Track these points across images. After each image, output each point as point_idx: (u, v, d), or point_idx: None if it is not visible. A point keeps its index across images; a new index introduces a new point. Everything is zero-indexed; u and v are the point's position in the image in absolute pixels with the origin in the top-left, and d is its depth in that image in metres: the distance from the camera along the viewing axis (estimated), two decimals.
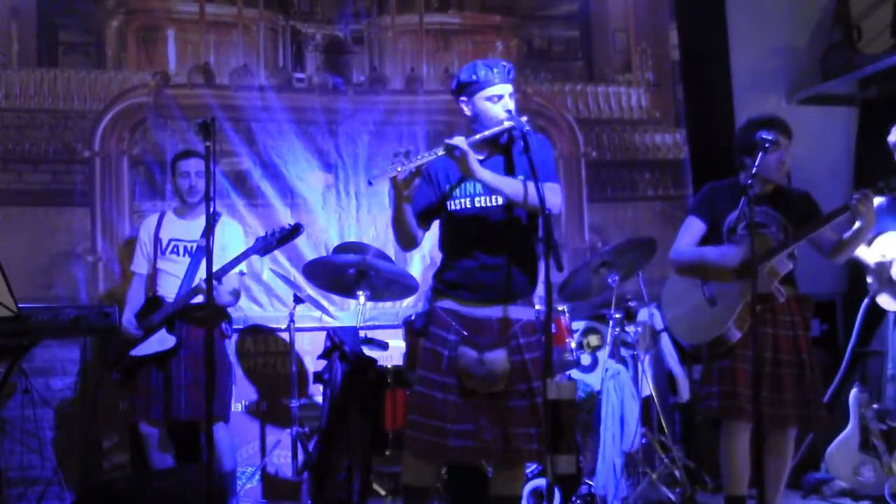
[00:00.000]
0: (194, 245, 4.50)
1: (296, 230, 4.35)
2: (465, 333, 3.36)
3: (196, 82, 5.51)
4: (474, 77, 3.36)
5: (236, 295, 4.61)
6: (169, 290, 4.49)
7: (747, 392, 3.79)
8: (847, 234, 3.95)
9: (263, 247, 4.36)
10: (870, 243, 4.56)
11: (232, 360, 4.61)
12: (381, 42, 5.79)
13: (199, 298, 4.34)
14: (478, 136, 3.34)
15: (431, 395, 3.35)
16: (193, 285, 4.36)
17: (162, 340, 4.39)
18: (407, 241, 3.48)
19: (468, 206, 3.39)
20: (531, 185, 3.23)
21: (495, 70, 3.35)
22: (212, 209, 3.29)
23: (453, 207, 3.41)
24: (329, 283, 4.82)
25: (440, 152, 3.25)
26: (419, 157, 3.24)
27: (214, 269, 4.40)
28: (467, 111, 3.44)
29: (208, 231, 3.31)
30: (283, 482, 5.07)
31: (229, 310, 4.68)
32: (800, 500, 4.98)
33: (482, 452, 3.36)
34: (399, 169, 3.20)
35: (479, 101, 3.37)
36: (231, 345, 4.63)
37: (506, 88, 3.36)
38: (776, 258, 3.86)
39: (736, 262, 3.93)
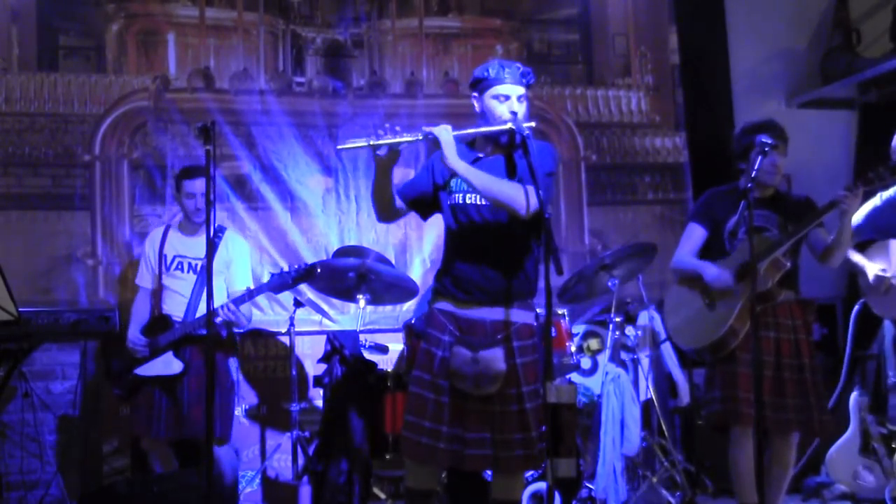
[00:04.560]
0: (199, 263, 4.44)
1: (311, 272, 4.31)
2: (458, 334, 3.35)
3: (196, 86, 5.51)
4: (485, 74, 3.37)
5: (248, 319, 4.55)
6: (174, 307, 4.43)
7: (749, 396, 3.79)
8: (832, 236, 3.96)
9: (279, 284, 4.31)
10: (863, 248, 4.55)
11: (235, 378, 4.57)
12: (381, 46, 5.80)
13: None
14: (470, 130, 3.35)
15: (422, 396, 3.35)
16: (203, 313, 4.31)
17: (167, 363, 4.33)
18: (383, 212, 3.47)
19: (461, 201, 3.39)
20: (507, 184, 3.25)
21: (507, 70, 3.35)
22: (214, 220, 3.26)
23: (450, 202, 3.42)
24: (329, 286, 4.81)
25: (419, 136, 3.24)
26: (399, 135, 3.22)
27: (227, 293, 4.43)
28: (476, 107, 3.44)
29: (209, 246, 3.27)
30: (284, 486, 5.06)
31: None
32: (800, 503, 4.98)
33: (468, 459, 3.33)
34: (370, 142, 3.19)
35: (487, 99, 3.37)
36: (235, 363, 4.59)
37: (515, 90, 3.34)
38: (774, 255, 3.86)
39: (728, 286, 3.93)
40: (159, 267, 4.51)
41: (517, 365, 3.33)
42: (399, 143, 3.23)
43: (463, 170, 3.25)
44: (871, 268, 4.47)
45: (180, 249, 4.51)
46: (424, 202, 3.49)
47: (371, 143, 3.21)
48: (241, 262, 4.53)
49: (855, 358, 5.10)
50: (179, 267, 4.49)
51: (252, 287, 4.42)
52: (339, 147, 3.46)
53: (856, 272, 4.59)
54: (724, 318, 3.91)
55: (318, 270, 4.34)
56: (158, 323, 4.41)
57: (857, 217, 4.47)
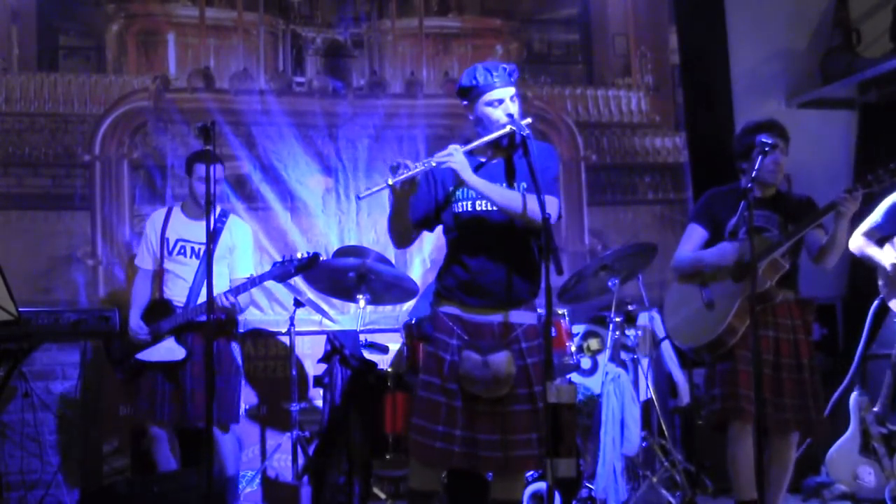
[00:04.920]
0: (202, 248, 4.43)
1: (315, 261, 4.32)
2: (466, 338, 3.35)
3: (196, 86, 5.52)
4: (474, 82, 3.34)
5: (241, 309, 4.56)
6: (176, 292, 4.45)
7: (748, 393, 3.79)
8: (826, 238, 3.95)
9: (281, 273, 4.31)
10: (881, 243, 4.53)
11: (240, 362, 4.59)
12: (381, 46, 5.80)
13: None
14: (474, 143, 3.33)
15: (433, 400, 3.34)
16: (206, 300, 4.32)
17: (170, 350, 4.35)
18: (401, 240, 3.51)
19: (469, 208, 3.38)
20: (519, 196, 3.25)
21: (495, 74, 3.32)
22: (215, 213, 3.27)
23: (456, 210, 3.40)
24: (329, 286, 4.82)
25: (433, 163, 3.25)
26: (414, 167, 3.23)
27: (230, 279, 4.45)
28: (470, 115, 3.43)
29: (209, 239, 3.28)
30: (284, 486, 5.06)
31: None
32: (800, 503, 4.98)
33: (482, 461, 3.33)
34: (389, 182, 3.21)
35: (480, 106, 3.35)
36: (238, 348, 4.60)
37: (506, 92, 3.33)
38: (772, 255, 3.86)
39: (733, 258, 3.93)
40: (161, 250, 4.52)
41: (528, 365, 3.33)
42: (414, 175, 3.24)
43: (483, 188, 3.26)
44: (888, 258, 4.45)
45: (183, 233, 4.51)
46: (430, 218, 3.48)
47: (389, 182, 3.22)
48: (244, 248, 4.55)
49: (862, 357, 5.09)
50: (182, 251, 4.49)
51: (255, 273, 4.43)
52: (359, 196, 3.50)
53: (863, 271, 4.56)
54: (723, 317, 3.91)
55: (322, 258, 4.35)
56: (159, 307, 4.42)
57: (878, 213, 4.49)
